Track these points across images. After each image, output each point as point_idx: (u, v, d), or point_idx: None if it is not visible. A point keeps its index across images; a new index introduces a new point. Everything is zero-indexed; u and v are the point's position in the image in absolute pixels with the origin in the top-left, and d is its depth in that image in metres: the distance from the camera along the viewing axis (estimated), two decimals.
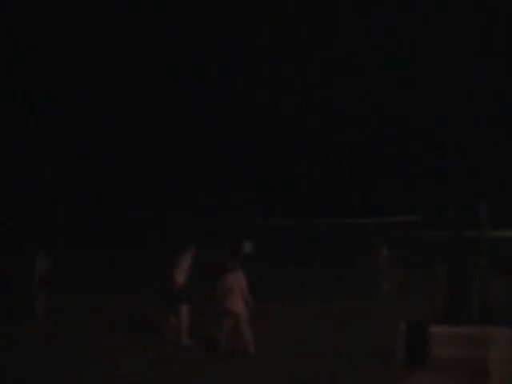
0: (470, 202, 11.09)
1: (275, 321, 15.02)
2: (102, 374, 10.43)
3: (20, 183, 31.78)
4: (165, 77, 34.63)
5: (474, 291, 11.35)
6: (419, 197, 29.85)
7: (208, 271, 18.46)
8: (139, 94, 34.06)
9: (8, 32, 32.55)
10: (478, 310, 11.28)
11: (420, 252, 27.67)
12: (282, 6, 33.17)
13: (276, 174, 34.43)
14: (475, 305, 11.31)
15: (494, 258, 12.29)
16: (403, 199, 30.58)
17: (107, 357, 11.48)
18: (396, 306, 16.89)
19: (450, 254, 11.06)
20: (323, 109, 33.38)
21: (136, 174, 34.20)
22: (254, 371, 10.59)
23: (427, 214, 26.25)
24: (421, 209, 27.89)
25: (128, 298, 17.99)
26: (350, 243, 27.47)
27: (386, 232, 26.30)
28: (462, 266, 10.96)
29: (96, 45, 33.74)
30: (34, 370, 10.54)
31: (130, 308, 16.29)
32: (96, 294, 18.52)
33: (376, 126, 32.72)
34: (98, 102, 33.68)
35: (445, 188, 11.02)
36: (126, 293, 18.89)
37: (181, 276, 12.69)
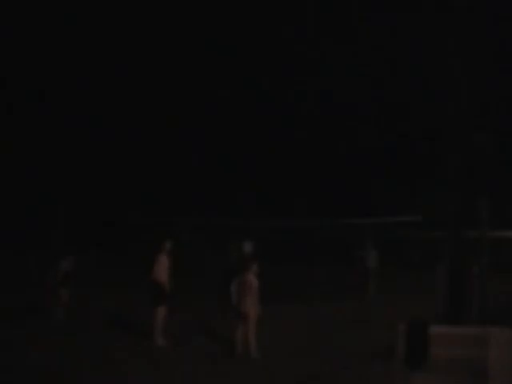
0: (470, 201, 11.09)
1: (275, 321, 15.01)
2: (102, 374, 10.43)
3: (20, 183, 31.77)
4: (164, 77, 34.62)
5: (474, 291, 11.35)
6: (419, 197, 29.84)
7: (213, 273, 18.49)
8: (139, 94, 34.07)
9: (8, 32, 32.55)
10: (478, 310, 11.28)
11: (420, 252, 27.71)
12: (282, 6, 33.18)
13: (276, 173, 34.41)
14: (475, 305, 11.32)
15: (494, 257, 12.29)
16: (403, 199, 30.57)
17: (107, 357, 11.48)
18: (396, 306, 16.88)
19: (450, 253, 11.05)
20: (323, 109, 33.36)
21: (136, 174, 34.19)
22: (254, 371, 10.60)
23: (427, 214, 26.23)
24: (421, 209, 27.87)
25: (128, 298, 17.98)
26: (349, 243, 27.45)
27: (382, 232, 26.29)
28: (462, 266, 10.96)
29: (96, 45, 33.74)
30: (34, 369, 10.55)
31: (130, 308, 16.28)
32: (96, 294, 18.50)
33: (376, 126, 32.71)
34: (98, 101, 33.68)
35: (445, 188, 11.02)
36: (125, 293, 18.89)
37: (160, 275, 12.54)
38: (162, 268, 12.53)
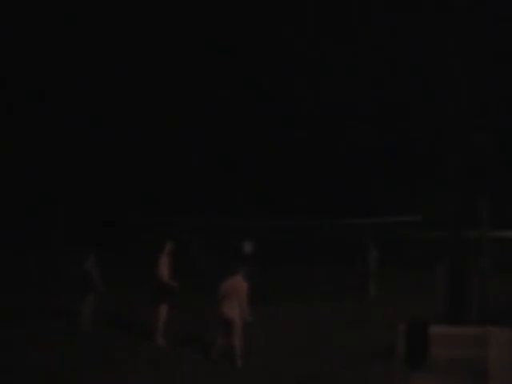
0: (470, 201, 11.09)
1: (275, 321, 15.02)
2: (102, 374, 10.43)
3: (20, 183, 31.75)
4: (164, 77, 34.61)
5: (474, 291, 11.35)
6: (419, 197, 29.82)
7: (211, 272, 18.43)
8: (139, 94, 34.07)
9: (8, 32, 32.54)
10: (478, 310, 11.28)
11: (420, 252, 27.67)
12: (282, 6, 33.18)
13: (276, 173, 34.40)
14: (475, 305, 11.31)
15: (495, 258, 12.29)
16: (403, 199, 30.56)
17: (107, 357, 11.48)
18: (396, 306, 16.89)
19: (450, 253, 11.06)
20: (323, 109, 33.35)
21: (136, 174, 34.17)
22: (254, 371, 10.59)
23: (427, 214, 26.22)
24: (421, 209, 27.86)
25: (128, 298, 17.99)
26: (349, 243, 27.45)
27: (382, 232, 26.27)
28: (462, 266, 10.96)
29: (96, 45, 33.73)
30: (34, 369, 10.55)
31: (130, 308, 16.29)
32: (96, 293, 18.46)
33: (376, 126, 32.71)
34: (98, 101, 33.68)
35: (445, 188, 11.02)
36: (126, 293, 18.88)
37: (162, 275, 12.55)
38: (164, 268, 12.58)
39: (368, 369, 10.53)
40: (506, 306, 12.19)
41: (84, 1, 33.79)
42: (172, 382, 10.19)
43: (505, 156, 28.78)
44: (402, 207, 28.99)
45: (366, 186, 33.41)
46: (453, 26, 11.15)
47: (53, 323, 14.35)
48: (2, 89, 32.52)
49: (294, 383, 10.04)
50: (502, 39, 26.79)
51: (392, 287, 21.49)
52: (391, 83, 30.81)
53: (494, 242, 12.83)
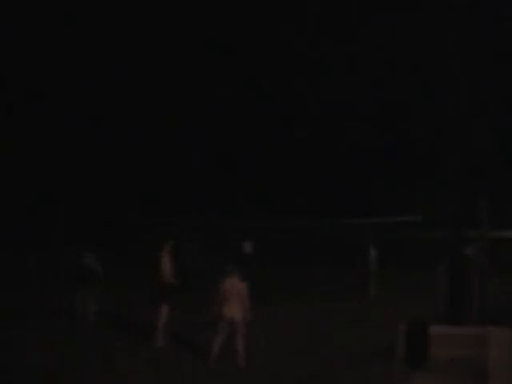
0: (470, 201, 11.09)
1: (275, 321, 15.02)
2: (102, 374, 10.43)
3: (20, 183, 31.74)
4: (164, 77, 34.60)
5: (474, 291, 11.35)
6: (419, 197, 29.83)
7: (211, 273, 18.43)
8: (139, 94, 34.06)
9: (8, 32, 32.53)
10: (478, 310, 11.28)
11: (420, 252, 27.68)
12: (282, 6, 33.17)
13: (276, 173, 34.39)
14: (475, 305, 11.31)
15: (495, 257, 12.28)
16: (403, 199, 30.56)
17: (107, 357, 11.48)
18: (396, 306, 16.89)
19: (450, 253, 11.06)
20: (323, 109, 33.35)
21: (136, 174, 34.16)
22: (254, 371, 10.59)
23: (427, 214, 26.22)
24: (421, 209, 27.87)
25: (128, 298, 17.98)
26: (349, 243, 27.46)
27: (382, 232, 26.27)
28: (462, 266, 10.96)
29: (96, 45, 33.72)
30: (34, 369, 10.54)
31: (130, 308, 16.28)
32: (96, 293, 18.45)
33: (376, 126, 32.70)
34: (98, 101, 33.67)
35: (445, 188, 11.02)
36: (126, 293, 18.88)
37: (164, 275, 12.54)
38: (166, 268, 12.58)
39: (368, 369, 10.52)
40: (506, 306, 12.19)
41: (84, 1, 33.78)
42: (172, 382, 10.19)
43: (505, 156, 28.79)
44: (402, 207, 28.99)
45: (366, 186, 33.40)
46: (453, 26, 11.15)
47: (53, 323, 14.34)
48: (2, 89, 32.51)
49: (293, 383, 10.04)
50: (502, 39, 26.79)
51: (392, 287, 21.50)
52: (391, 83, 30.80)
53: (494, 242, 12.82)
